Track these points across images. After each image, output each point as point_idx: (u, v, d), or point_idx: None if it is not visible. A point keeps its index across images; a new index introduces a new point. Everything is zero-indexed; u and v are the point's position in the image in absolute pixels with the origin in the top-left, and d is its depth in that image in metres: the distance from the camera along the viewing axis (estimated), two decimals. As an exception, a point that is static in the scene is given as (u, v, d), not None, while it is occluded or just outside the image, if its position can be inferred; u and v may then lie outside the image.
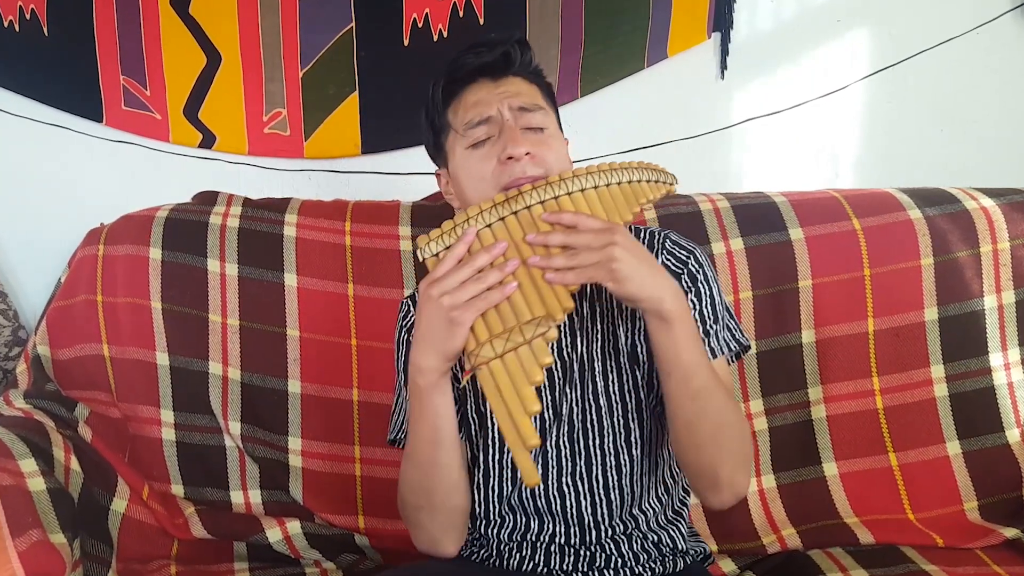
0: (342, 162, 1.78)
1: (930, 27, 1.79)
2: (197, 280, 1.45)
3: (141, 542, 1.35)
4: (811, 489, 1.41)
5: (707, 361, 0.95)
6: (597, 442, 1.02)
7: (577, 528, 1.03)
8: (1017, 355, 1.42)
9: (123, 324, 1.45)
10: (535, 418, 1.01)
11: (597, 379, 1.02)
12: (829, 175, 1.87)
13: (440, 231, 0.92)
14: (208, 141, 1.74)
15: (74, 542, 1.14)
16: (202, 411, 1.44)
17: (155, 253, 1.45)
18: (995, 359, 1.41)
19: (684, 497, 1.11)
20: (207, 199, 1.54)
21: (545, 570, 1.04)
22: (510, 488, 1.04)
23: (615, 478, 1.02)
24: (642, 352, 1.03)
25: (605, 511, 1.03)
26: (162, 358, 1.44)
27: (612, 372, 1.03)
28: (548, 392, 1.02)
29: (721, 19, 1.76)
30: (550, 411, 1.02)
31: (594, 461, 1.02)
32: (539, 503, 1.03)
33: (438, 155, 1.09)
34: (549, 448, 1.02)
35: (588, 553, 1.03)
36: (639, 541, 1.04)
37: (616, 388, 1.03)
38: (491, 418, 1.04)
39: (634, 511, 1.04)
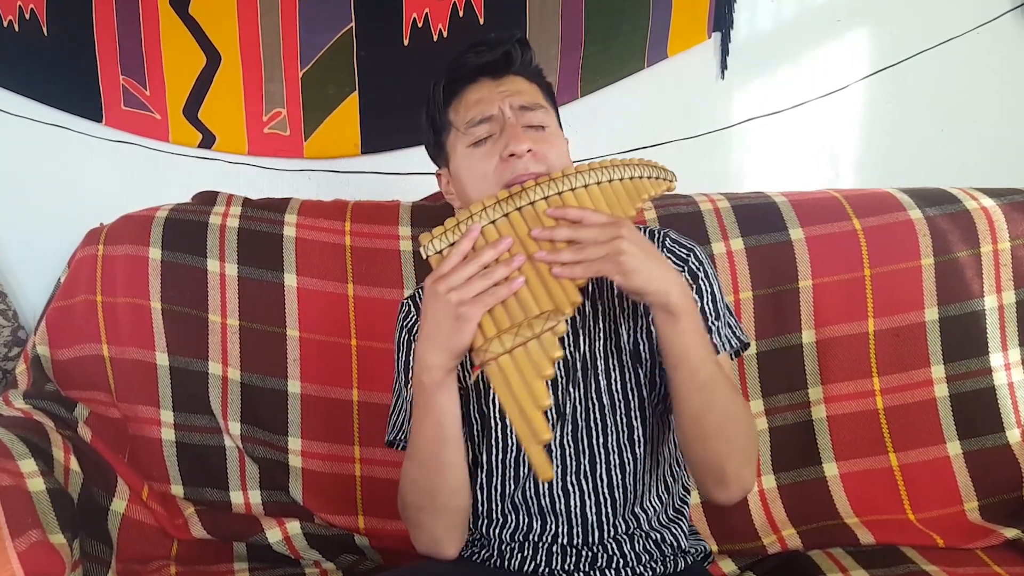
0: (342, 162, 1.78)
1: (930, 27, 1.79)
2: (197, 280, 1.45)
3: (141, 542, 1.34)
4: (811, 489, 1.41)
5: (713, 354, 0.95)
6: (600, 440, 1.02)
7: (580, 528, 1.03)
8: (1017, 355, 1.41)
9: (123, 324, 1.45)
10: None
11: (600, 378, 1.02)
12: (829, 175, 1.87)
13: (443, 228, 0.92)
14: (208, 141, 1.74)
15: (74, 542, 1.14)
16: (202, 411, 1.44)
17: (155, 253, 1.45)
18: (995, 359, 1.41)
19: (684, 495, 1.12)
20: (207, 199, 1.54)
21: (546, 570, 1.04)
22: (513, 487, 1.04)
23: (618, 476, 1.02)
24: (645, 350, 1.03)
25: (608, 510, 1.03)
26: (162, 358, 1.44)
27: (615, 371, 1.03)
28: (551, 391, 1.02)
29: (721, 19, 1.76)
30: (553, 410, 1.02)
31: (597, 460, 1.02)
32: (543, 502, 1.03)
33: (439, 155, 1.09)
34: (553, 447, 1.02)
35: (590, 553, 1.03)
36: (640, 541, 1.04)
37: (619, 386, 1.03)
38: (494, 417, 1.04)
39: (636, 510, 1.04)
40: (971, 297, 1.42)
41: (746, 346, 1.06)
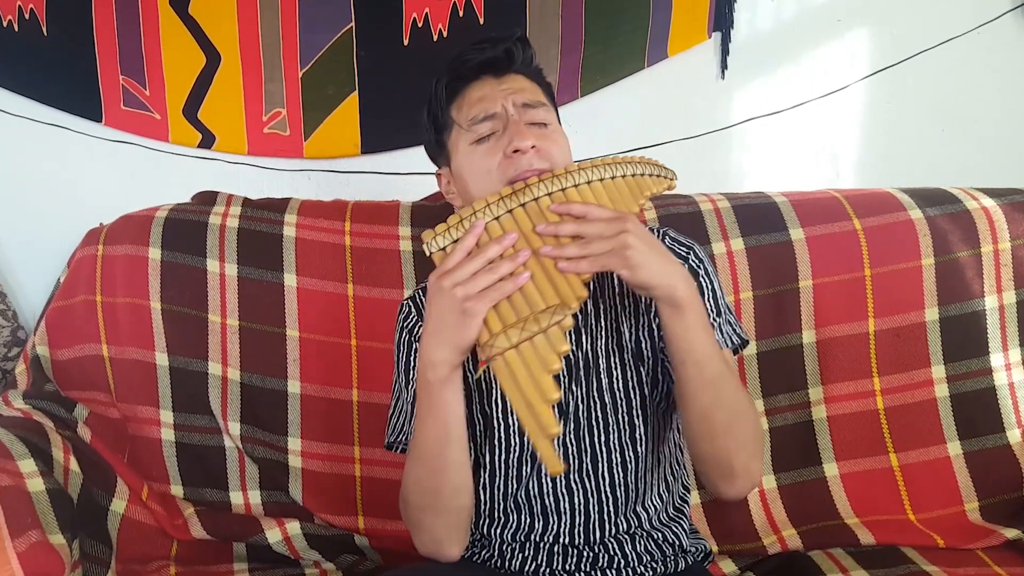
0: (342, 162, 1.78)
1: (930, 27, 1.79)
2: (196, 280, 1.45)
3: (140, 543, 1.34)
4: (812, 490, 1.41)
5: (719, 348, 0.95)
6: (602, 439, 1.02)
7: (581, 527, 1.03)
8: (1018, 355, 1.41)
9: (122, 324, 1.45)
10: None
11: (602, 376, 1.02)
12: (830, 175, 1.87)
13: (446, 225, 0.91)
14: (207, 141, 1.74)
15: (73, 543, 1.14)
16: (201, 411, 1.44)
17: (154, 253, 1.45)
18: (996, 359, 1.41)
19: (684, 494, 1.12)
20: (206, 199, 1.54)
21: (547, 570, 1.04)
22: (515, 486, 1.04)
23: (620, 475, 1.02)
24: (647, 348, 1.03)
25: (610, 508, 1.03)
26: (161, 358, 1.44)
27: (616, 369, 1.03)
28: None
29: (721, 19, 1.76)
30: (555, 409, 1.02)
31: (599, 458, 1.02)
32: (546, 501, 1.03)
33: (440, 153, 1.09)
34: (556, 446, 1.02)
35: (591, 553, 1.03)
36: (642, 540, 1.04)
37: (620, 385, 1.03)
38: (496, 418, 1.03)
39: (637, 508, 1.04)
40: (971, 297, 1.42)
41: (745, 343, 1.06)
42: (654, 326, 1.04)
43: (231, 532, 1.40)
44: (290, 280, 1.45)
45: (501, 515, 1.06)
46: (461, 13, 1.70)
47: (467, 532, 1.02)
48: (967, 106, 1.84)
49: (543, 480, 1.03)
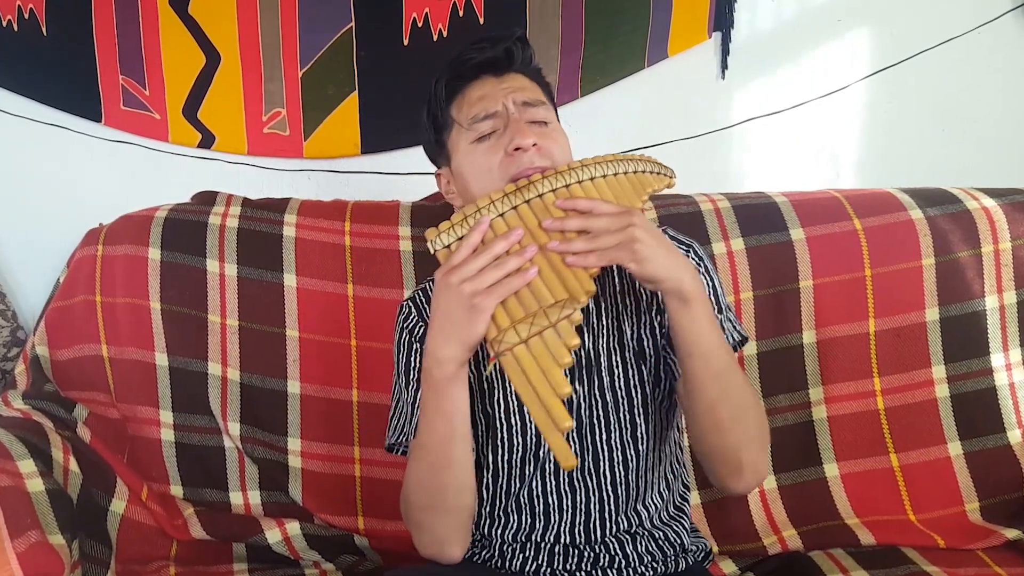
0: (342, 162, 1.78)
1: (931, 27, 1.79)
2: (196, 280, 1.44)
3: (140, 543, 1.34)
4: (812, 490, 1.41)
5: (725, 342, 0.96)
6: (604, 437, 1.02)
7: (582, 526, 1.03)
8: (1018, 355, 1.41)
9: (122, 324, 1.44)
10: None
11: (603, 375, 1.02)
12: (830, 175, 1.87)
13: (450, 223, 0.91)
14: (207, 141, 1.74)
15: (73, 543, 1.14)
16: (201, 412, 1.44)
17: (154, 253, 1.45)
18: (996, 360, 1.41)
19: (684, 493, 1.12)
20: (206, 199, 1.54)
21: (548, 570, 1.04)
22: (518, 485, 1.04)
23: (621, 473, 1.02)
24: (649, 346, 1.03)
25: (611, 507, 1.03)
26: (161, 359, 1.44)
27: (618, 367, 1.03)
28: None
29: (722, 19, 1.76)
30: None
31: (601, 457, 1.02)
32: (549, 499, 1.03)
33: (439, 153, 1.09)
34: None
35: (591, 553, 1.03)
36: (643, 540, 1.04)
37: (622, 383, 1.03)
38: (499, 418, 1.03)
39: (638, 506, 1.04)
40: (972, 297, 1.42)
41: (745, 340, 1.07)
42: (655, 324, 1.04)
43: (231, 532, 1.40)
44: (290, 280, 1.45)
45: (502, 515, 1.06)
46: (461, 13, 1.70)
47: (469, 533, 1.02)
48: (967, 106, 1.84)
49: (546, 479, 1.03)
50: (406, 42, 1.71)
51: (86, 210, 1.60)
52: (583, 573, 1.03)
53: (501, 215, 0.91)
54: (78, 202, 1.71)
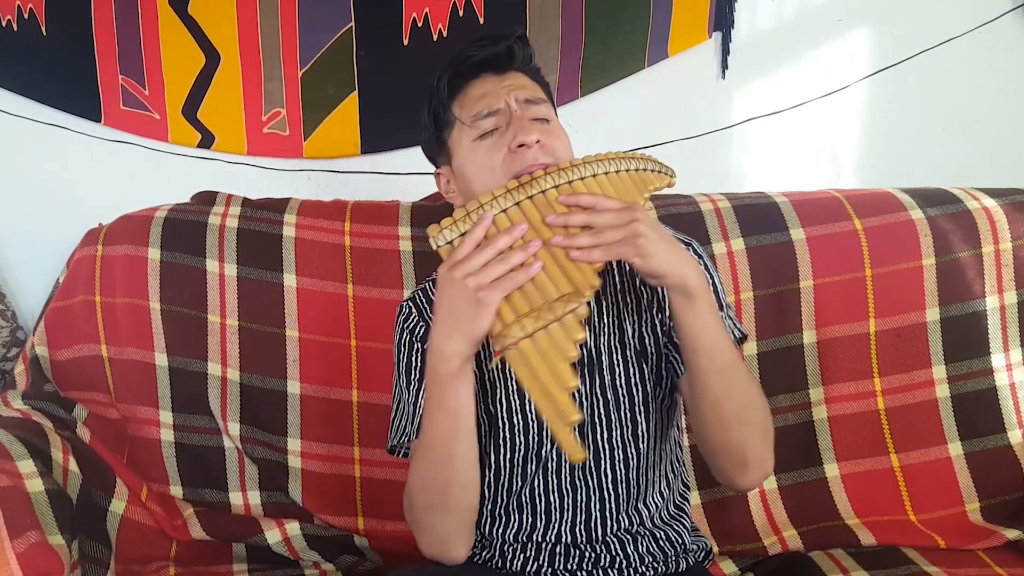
0: (341, 162, 1.78)
1: (931, 27, 1.79)
2: (196, 280, 1.44)
3: (140, 543, 1.34)
4: (812, 490, 1.41)
5: (729, 337, 0.96)
6: (605, 436, 1.02)
7: (583, 525, 1.03)
8: (1019, 356, 1.41)
9: (121, 325, 1.44)
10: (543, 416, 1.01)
11: (604, 373, 1.02)
12: (830, 175, 1.87)
13: (452, 219, 0.91)
14: (207, 141, 1.73)
15: (72, 543, 1.14)
16: (201, 412, 1.44)
17: (154, 253, 1.45)
18: (997, 360, 1.41)
19: (684, 491, 1.12)
20: (206, 199, 1.54)
21: (549, 570, 1.04)
22: (520, 484, 1.04)
23: (622, 472, 1.02)
24: (650, 344, 1.04)
25: (612, 505, 1.03)
26: (161, 359, 1.44)
27: (619, 366, 1.03)
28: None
29: (722, 19, 1.76)
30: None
31: (602, 455, 1.02)
32: (550, 497, 1.03)
33: (440, 152, 1.09)
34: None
35: (592, 552, 1.03)
36: (644, 541, 1.04)
37: (623, 382, 1.03)
38: (501, 417, 1.03)
39: (639, 505, 1.04)
40: (972, 297, 1.42)
41: (745, 338, 1.07)
42: (656, 322, 1.04)
43: (230, 533, 1.40)
44: (290, 280, 1.45)
45: (503, 514, 1.06)
46: (461, 13, 1.70)
47: (472, 533, 1.02)
48: (968, 106, 1.83)
49: (547, 478, 1.03)
50: (406, 42, 1.71)
51: (86, 210, 1.60)
52: (584, 573, 1.03)
53: (504, 211, 0.91)
54: (78, 202, 1.71)
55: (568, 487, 1.03)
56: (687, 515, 1.11)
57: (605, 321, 1.04)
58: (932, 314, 1.42)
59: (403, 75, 1.71)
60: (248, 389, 1.43)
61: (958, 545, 1.33)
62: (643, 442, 1.03)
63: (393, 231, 1.47)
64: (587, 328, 1.02)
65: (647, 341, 1.04)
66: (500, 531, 1.07)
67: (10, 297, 1.70)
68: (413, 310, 1.07)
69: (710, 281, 1.02)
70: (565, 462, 1.02)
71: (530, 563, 1.05)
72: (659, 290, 1.05)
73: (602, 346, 1.03)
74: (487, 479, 1.05)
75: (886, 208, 1.47)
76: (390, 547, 1.39)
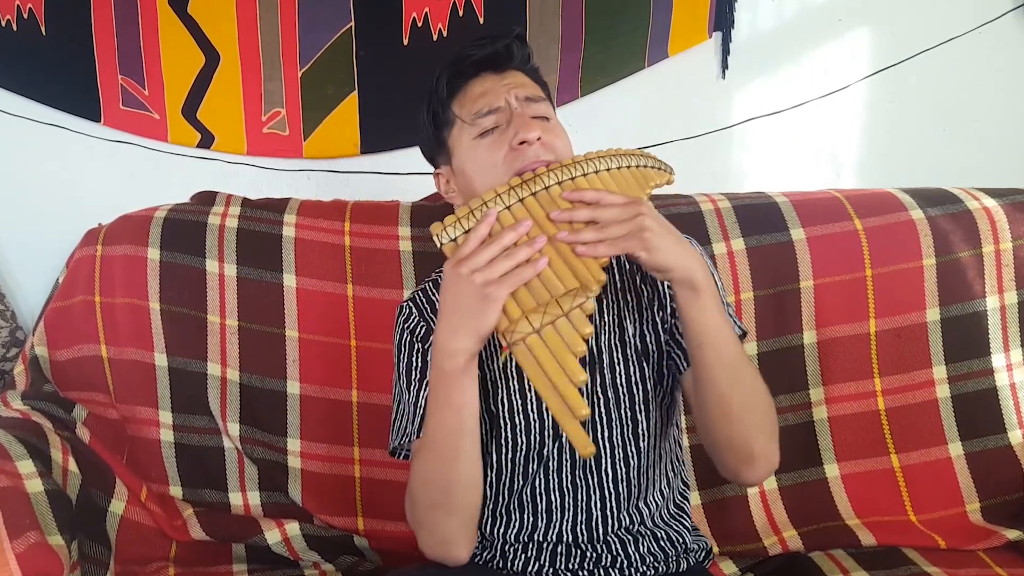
0: (341, 162, 1.78)
1: (932, 26, 1.79)
2: (195, 280, 1.44)
3: (139, 544, 1.34)
4: (812, 490, 1.41)
5: (734, 331, 0.96)
6: (605, 434, 1.02)
7: (584, 524, 1.03)
8: (1020, 356, 1.41)
9: (121, 325, 1.44)
10: (545, 415, 1.01)
11: (605, 372, 1.02)
12: (830, 175, 1.87)
13: (455, 217, 0.91)
14: (207, 141, 1.73)
15: (72, 544, 1.14)
16: (200, 412, 1.44)
17: (153, 253, 1.45)
18: (997, 360, 1.41)
19: (684, 490, 1.12)
20: (206, 199, 1.53)
21: (551, 570, 1.04)
22: (521, 483, 1.04)
23: (623, 470, 1.02)
24: (651, 343, 1.04)
25: (613, 504, 1.03)
26: (160, 359, 1.44)
27: (619, 365, 1.03)
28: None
29: (722, 18, 1.76)
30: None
31: (603, 454, 1.02)
32: (551, 496, 1.03)
33: (439, 152, 1.09)
34: (564, 443, 1.02)
35: (593, 552, 1.03)
36: (644, 541, 1.04)
37: (623, 380, 1.03)
38: (503, 416, 1.03)
39: (640, 504, 1.04)
40: (973, 298, 1.42)
41: (744, 334, 1.07)
42: (657, 320, 1.04)
43: (230, 533, 1.40)
44: (289, 280, 1.45)
45: (504, 514, 1.06)
46: (461, 13, 1.69)
47: (475, 534, 1.01)
48: (968, 106, 1.83)
49: (549, 477, 1.03)
50: (406, 42, 1.71)
51: (85, 210, 1.60)
52: (585, 573, 1.03)
53: (507, 208, 0.91)
54: (77, 202, 1.71)
55: (569, 486, 1.03)
56: (687, 515, 1.11)
57: (605, 320, 1.04)
58: (932, 314, 1.41)
59: (403, 75, 1.71)
60: (248, 389, 1.43)
61: (958, 545, 1.33)
62: (643, 440, 1.03)
63: (393, 231, 1.47)
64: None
65: (648, 339, 1.04)
66: (501, 531, 1.07)
67: (10, 297, 1.70)
68: (413, 310, 1.07)
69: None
70: (566, 461, 1.02)
71: (531, 563, 1.05)
72: (659, 288, 1.05)
73: (602, 345, 1.03)
74: (488, 479, 1.05)
75: (886, 208, 1.47)
76: (390, 547, 1.39)
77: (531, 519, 1.05)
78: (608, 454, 1.02)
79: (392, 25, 1.70)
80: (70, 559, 1.10)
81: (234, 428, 1.42)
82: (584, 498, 1.03)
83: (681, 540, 1.07)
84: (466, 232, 0.90)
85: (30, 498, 1.12)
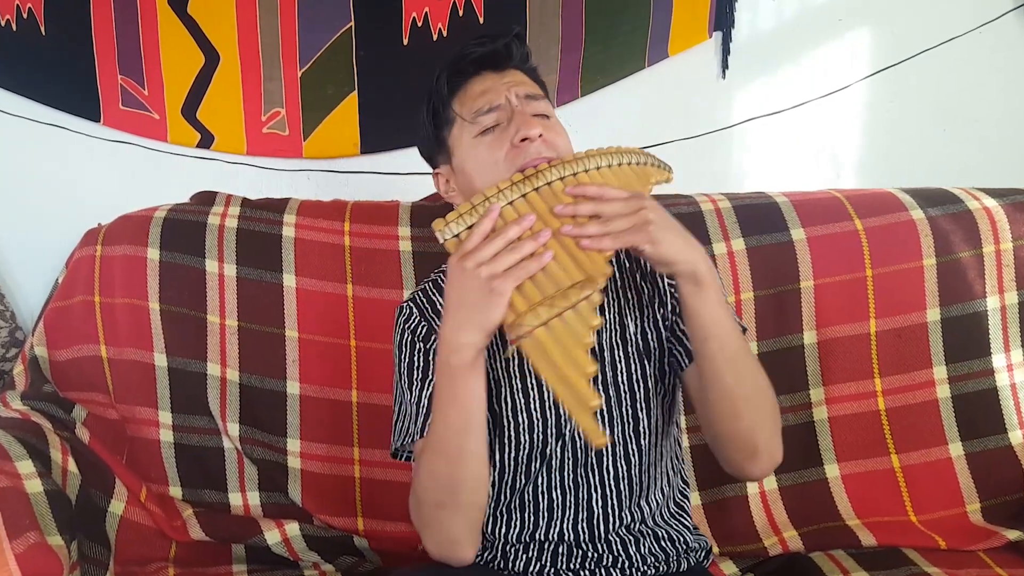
0: (341, 162, 1.78)
1: (932, 26, 1.79)
2: (195, 281, 1.44)
3: (139, 544, 1.34)
4: (813, 491, 1.41)
5: (737, 326, 0.96)
6: (607, 433, 1.02)
7: (585, 523, 1.03)
8: (1020, 356, 1.41)
9: (121, 325, 1.44)
10: (548, 414, 1.01)
11: (606, 370, 1.02)
12: (830, 175, 1.87)
13: (457, 213, 0.91)
14: (206, 141, 1.73)
15: (72, 544, 1.14)
16: (200, 412, 1.44)
17: (153, 253, 1.45)
18: (998, 360, 1.41)
19: (684, 489, 1.12)
20: (205, 199, 1.53)
21: (552, 570, 1.04)
22: (523, 482, 1.04)
23: (624, 468, 1.03)
24: (652, 340, 1.04)
25: (614, 502, 1.03)
26: (160, 359, 1.43)
27: (621, 362, 1.03)
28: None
29: (722, 18, 1.76)
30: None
31: (604, 452, 1.02)
32: (553, 495, 1.03)
33: (439, 151, 1.08)
34: (567, 440, 1.02)
35: (594, 552, 1.03)
36: (645, 541, 1.04)
37: (625, 378, 1.03)
38: (506, 416, 1.03)
39: (641, 502, 1.04)
40: (973, 298, 1.41)
41: (744, 331, 1.06)
42: (658, 317, 1.04)
43: (230, 533, 1.40)
44: (289, 280, 1.44)
45: (505, 513, 1.06)
46: (461, 13, 1.69)
47: (480, 533, 1.00)
48: (969, 106, 1.83)
49: (551, 475, 1.03)
50: (406, 42, 1.71)
51: (85, 210, 1.60)
52: (586, 572, 1.03)
53: (510, 203, 0.91)
54: (77, 202, 1.71)
55: (570, 484, 1.03)
56: (687, 514, 1.11)
57: (606, 318, 1.04)
58: (933, 314, 1.41)
59: (403, 75, 1.71)
60: (247, 389, 1.43)
61: (959, 546, 1.33)
62: (645, 438, 1.03)
63: (393, 231, 1.47)
64: None
65: (649, 337, 1.04)
66: (502, 531, 1.06)
67: (9, 297, 1.69)
68: (414, 310, 1.06)
69: None
70: (568, 459, 1.02)
71: (532, 563, 1.04)
72: (660, 285, 1.05)
73: (604, 342, 1.03)
74: (492, 478, 1.05)
75: (887, 208, 1.47)
76: (390, 548, 1.38)
77: (532, 518, 1.05)
78: (609, 452, 1.02)
79: (392, 25, 1.70)
80: (70, 559, 1.10)
81: (234, 428, 1.42)
82: (585, 496, 1.03)
83: (681, 539, 1.07)
84: (469, 228, 0.90)
85: (30, 498, 1.12)
